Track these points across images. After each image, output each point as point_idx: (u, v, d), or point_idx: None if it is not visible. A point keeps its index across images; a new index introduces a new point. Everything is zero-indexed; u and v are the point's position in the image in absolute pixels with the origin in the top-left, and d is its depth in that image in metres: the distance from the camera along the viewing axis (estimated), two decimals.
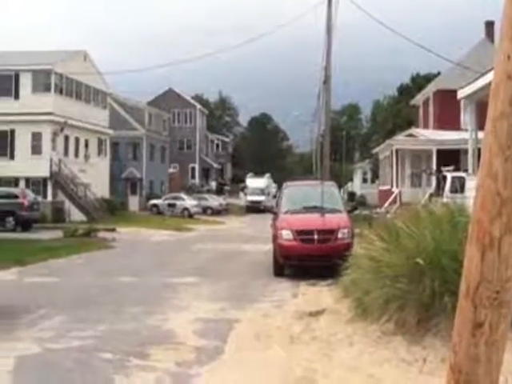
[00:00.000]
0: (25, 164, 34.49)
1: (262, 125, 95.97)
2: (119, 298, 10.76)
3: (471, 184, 15.28)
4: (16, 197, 29.37)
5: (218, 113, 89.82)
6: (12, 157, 35.46)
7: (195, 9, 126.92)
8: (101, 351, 6.94)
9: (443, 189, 22.30)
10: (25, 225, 28.30)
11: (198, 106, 70.16)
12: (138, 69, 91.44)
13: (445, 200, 12.17)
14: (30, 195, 30.61)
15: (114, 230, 27.79)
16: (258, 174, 64.72)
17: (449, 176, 23.31)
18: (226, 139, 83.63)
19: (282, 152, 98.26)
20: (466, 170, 19.25)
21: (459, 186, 19.91)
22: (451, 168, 24.41)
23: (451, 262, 6.07)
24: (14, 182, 34.92)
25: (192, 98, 73.62)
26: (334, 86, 25.29)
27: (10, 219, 28.06)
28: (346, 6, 23.26)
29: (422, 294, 6.27)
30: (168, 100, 66.04)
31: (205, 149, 71.77)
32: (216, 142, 78.10)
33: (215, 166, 73.54)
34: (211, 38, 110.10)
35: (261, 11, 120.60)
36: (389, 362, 5.88)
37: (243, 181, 65.60)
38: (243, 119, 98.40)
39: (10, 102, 35.44)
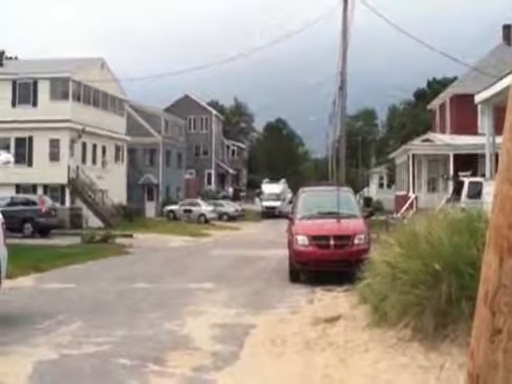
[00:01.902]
0: (43, 171, 34.83)
1: (278, 130, 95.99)
2: (136, 304, 10.80)
3: (489, 189, 15.15)
4: (34, 203, 29.66)
5: (234, 119, 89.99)
6: (30, 164, 35.82)
7: (208, 15, 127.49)
8: (117, 357, 6.96)
9: (460, 194, 22.13)
10: (43, 231, 28.54)
11: (214, 112, 70.38)
12: (156, 75, 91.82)
13: (462, 205, 12.06)
14: (48, 202, 30.88)
15: (131, 236, 27.93)
16: (274, 179, 64.69)
17: (466, 181, 23.12)
18: (242, 145, 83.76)
19: (298, 158, 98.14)
20: (483, 175, 19.10)
21: (476, 191, 19.74)
22: (468, 173, 24.21)
23: (469, 267, 6.01)
24: (32, 188, 35.29)
25: (208, 104, 73.88)
26: (349, 91, 25.22)
27: (29, 225, 28.32)
28: (360, 10, 23.21)
29: (440, 299, 6.21)
30: (184, 106, 66.35)
31: (221, 155, 71.94)
32: (232, 147, 78.25)
33: (231, 171, 73.66)
34: (226, 44, 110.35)
35: (272, 16, 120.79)
36: (406, 368, 5.82)
37: (259, 186, 65.64)
38: (259, 125, 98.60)
39: (29, 109, 35.83)
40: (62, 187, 35.67)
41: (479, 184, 19.74)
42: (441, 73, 55.41)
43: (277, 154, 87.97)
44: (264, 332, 8.20)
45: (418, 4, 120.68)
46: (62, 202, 35.07)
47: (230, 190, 67.36)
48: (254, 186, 73.76)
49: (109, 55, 72.28)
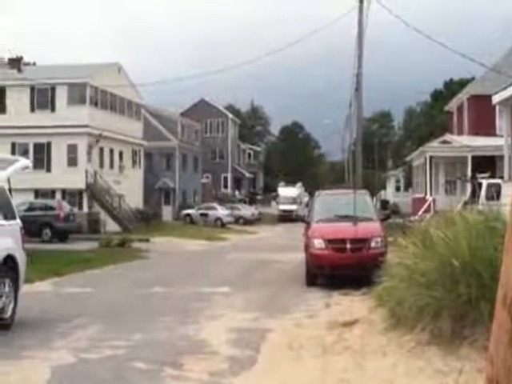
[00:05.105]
0: (61, 176, 35.13)
1: (294, 134, 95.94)
2: (153, 308, 10.83)
3: (507, 191, 14.99)
4: (52, 208, 29.92)
5: (250, 122, 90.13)
6: (49, 169, 36.14)
7: (226, 18, 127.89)
8: (134, 361, 6.98)
9: (478, 196, 21.90)
10: (61, 236, 28.77)
11: (230, 116, 70.54)
12: (172, 78, 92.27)
13: (480, 207, 11.94)
14: (67, 207, 31.14)
15: (147, 240, 28.05)
16: (290, 182, 64.64)
17: (484, 183, 22.89)
18: (258, 148, 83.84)
19: (314, 161, 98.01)
20: (501, 177, 18.89)
21: (495, 193, 19.52)
22: (487, 175, 23.96)
23: (487, 268, 5.95)
24: (51, 193, 35.62)
25: (225, 107, 74.08)
26: (365, 93, 25.13)
27: (47, 230, 28.56)
28: (375, 10, 23.07)
29: (457, 301, 6.14)
30: (200, 110, 66.60)
31: (237, 158, 72.05)
32: (248, 151, 78.36)
33: (247, 175, 73.74)
34: (240, 47, 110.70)
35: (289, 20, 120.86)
36: (423, 372, 5.76)
37: (275, 190, 65.62)
38: (275, 128, 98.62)
39: (47, 114, 36.18)
40: (80, 192, 35.95)
41: (498, 186, 19.52)
42: (459, 73, 55.01)
43: (293, 157, 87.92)
44: (281, 336, 8.17)
45: (434, 2, 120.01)
46: (80, 207, 35.34)
47: (237, 193, 67.01)
48: (270, 190, 73.75)
49: (125, 60, 73.03)
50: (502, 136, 18.92)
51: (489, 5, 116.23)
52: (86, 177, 35.75)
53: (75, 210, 32.50)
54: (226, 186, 68.01)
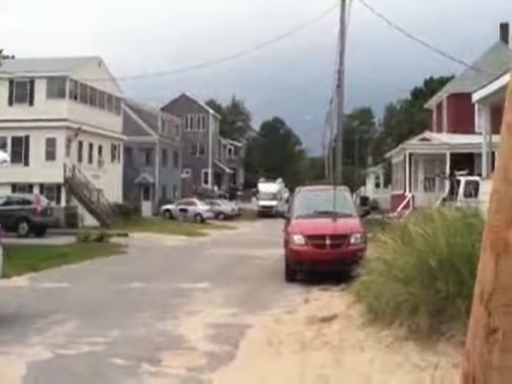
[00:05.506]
0: (39, 170, 34.76)
1: (275, 129, 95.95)
2: (131, 304, 10.76)
3: (485, 188, 15.14)
4: (30, 203, 29.58)
5: (231, 118, 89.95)
6: (27, 163, 35.72)
7: (206, 14, 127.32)
8: (112, 357, 6.92)
9: (457, 193, 22.14)
10: (38, 230, 28.45)
11: (211, 111, 70.37)
12: (153, 73, 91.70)
13: (458, 204, 12.05)
14: (44, 201, 30.81)
15: (126, 235, 27.88)
16: (270, 178, 64.70)
17: (462, 180, 23.15)
18: (239, 144, 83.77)
19: (295, 157, 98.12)
20: (479, 174, 19.09)
21: (473, 190, 19.75)
22: (465, 172, 24.23)
23: (465, 264, 5.99)
24: (29, 187, 35.20)
25: (206, 103, 73.84)
26: (346, 90, 25.18)
27: (24, 225, 28.22)
28: (356, 7, 23.15)
29: (435, 297, 6.19)
30: (181, 105, 66.34)
31: (217, 154, 71.93)
32: (229, 146, 78.27)
33: (228, 170, 73.67)
34: (222, 43, 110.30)
35: (274, 16, 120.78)
36: (401, 367, 5.80)
37: (255, 185, 65.64)
38: (256, 124, 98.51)
39: (25, 108, 35.75)
40: (58, 186, 35.61)
41: (476, 183, 19.74)
42: (439, 72, 55.35)
43: (273, 153, 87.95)
44: (260, 332, 8.17)
45: (416, 2, 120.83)
46: (58, 201, 35.00)
47: (216, 189, 66.81)
48: (250, 185, 73.76)
49: (105, 54, 72.41)
50: (480, 134, 19.11)
51: (469, 4, 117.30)
52: (65, 171, 35.42)
53: (53, 204, 32.18)
54: (206, 182, 67.86)
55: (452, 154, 30.38)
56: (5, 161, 10.69)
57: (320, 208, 14.57)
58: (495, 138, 13.29)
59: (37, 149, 35.55)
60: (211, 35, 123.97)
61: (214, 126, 70.54)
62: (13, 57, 41.33)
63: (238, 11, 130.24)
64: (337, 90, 25.08)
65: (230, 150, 78.75)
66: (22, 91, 36.23)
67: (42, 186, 35.48)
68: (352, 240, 13.25)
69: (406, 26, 37.48)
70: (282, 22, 69.68)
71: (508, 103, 1.71)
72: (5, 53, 39.90)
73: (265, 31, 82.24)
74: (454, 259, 6.29)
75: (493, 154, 14.90)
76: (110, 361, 6.77)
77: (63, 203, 35.44)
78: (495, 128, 12.96)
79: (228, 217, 49.55)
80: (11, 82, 36.19)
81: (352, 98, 59.55)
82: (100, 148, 40.49)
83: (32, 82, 36.27)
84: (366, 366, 6.04)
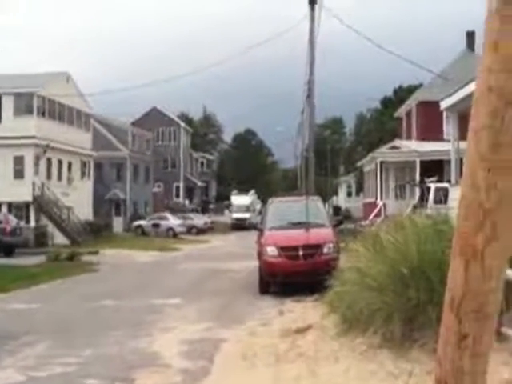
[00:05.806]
0: (7, 189, 34.10)
1: (247, 141, 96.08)
2: (103, 322, 10.57)
3: (455, 194, 15.34)
4: None
5: (203, 130, 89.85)
6: None
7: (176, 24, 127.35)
8: (85, 377, 6.79)
9: (427, 200, 22.40)
10: (7, 250, 27.87)
11: (182, 125, 70.19)
12: (122, 88, 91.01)
13: (428, 211, 12.16)
14: (13, 220, 30.26)
15: (97, 252, 27.50)
16: (243, 190, 64.66)
17: (432, 187, 23.43)
18: (211, 157, 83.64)
19: (267, 168, 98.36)
20: (449, 181, 19.35)
21: (443, 197, 20.01)
22: (434, 179, 24.53)
23: (435, 271, 6.02)
24: None
25: (177, 116, 73.64)
26: (317, 100, 25.29)
27: None
28: (326, 18, 23.27)
29: (407, 305, 6.20)
30: (152, 119, 66.03)
31: (189, 167, 71.69)
32: (200, 160, 78.08)
33: (200, 184, 73.44)
34: (193, 53, 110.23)
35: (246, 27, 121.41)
36: (375, 375, 5.79)
37: (228, 198, 65.54)
38: (228, 136, 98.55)
39: None
40: (27, 205, 35.02)
41: (445, 189, 20.01)
42: (408, 80, 56.10)
43: (246, 165, 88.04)
44: (234, 346, 8.10)
45: (386, 9, 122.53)
46: (27, 220, 34.37)
47: (187, 202, 66.37)
48: (223, 198, 73.63)
49: (73, 69, 71.84)
50: (449, 141, 19.39)
51: (437, 14, 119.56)
52: (33, 189, 34.86)
53: (22, 223, 31.61)
54: (177, 196, 67.49)
55: (422, 162, 30.75)
56: None
57: (293, 219, 14.56)
58: (463, 145, 13.49)
59: (4, 167, 34.93)
60: (180, 49, 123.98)
61: (185, 139, 70.34)
62: None
63: (207, 20, 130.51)
64: (307, 100, 25.21)
65: (202, 163, 78.55)
66: None
67: (10, 205, 34.85)
68: (325, 250, 13.25)
69: (376, 36, 38.17)
70: (261, 29, 69.93)
71: (474, 110, 1.71)
72: None
73: (245, 38, 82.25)
74: (424, 266, 6.32)
75: (461, 160, 15.11)
76: (83, 382, 6.64)
77: (32, 222, 34.84)
78: (463, 135, 13.17)
79: (201, 230, 49.29)
80: None
81: (323, 107, 60.02)
82: (69, 165, 40.00)
83: None
84: (340, 375, 6.01)
